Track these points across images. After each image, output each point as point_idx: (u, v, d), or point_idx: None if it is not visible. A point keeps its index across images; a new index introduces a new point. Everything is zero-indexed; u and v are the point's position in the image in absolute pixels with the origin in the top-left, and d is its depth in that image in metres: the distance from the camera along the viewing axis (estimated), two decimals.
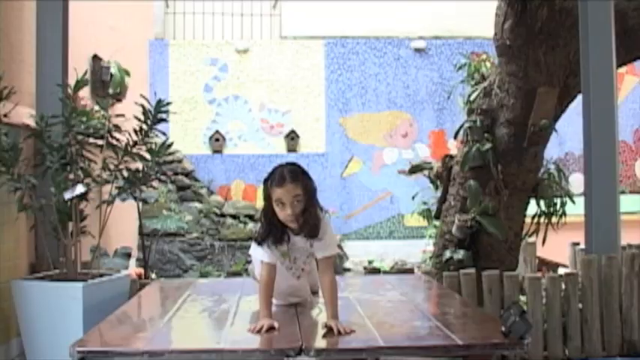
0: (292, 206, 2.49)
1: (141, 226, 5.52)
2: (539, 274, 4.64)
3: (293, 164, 2.62)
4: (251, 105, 8.52)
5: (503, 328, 2.28)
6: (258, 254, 2.63)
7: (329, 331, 2.39)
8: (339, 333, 2.37)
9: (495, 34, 4.56)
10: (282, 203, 2.50)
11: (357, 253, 7.97)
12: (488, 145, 4.53)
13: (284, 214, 2.51)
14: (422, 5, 8.71)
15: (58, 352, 3.07)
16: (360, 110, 8.65)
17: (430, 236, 6.28)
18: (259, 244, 2.60)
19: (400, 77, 8.69)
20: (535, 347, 3.77)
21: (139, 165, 3.96)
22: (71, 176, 3.82)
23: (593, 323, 3.88)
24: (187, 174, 7.93)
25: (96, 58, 5.89)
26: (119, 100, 5.80)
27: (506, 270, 4.13)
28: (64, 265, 3.76)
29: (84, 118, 3.94)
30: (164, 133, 4.34)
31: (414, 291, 3.41)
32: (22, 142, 3.80)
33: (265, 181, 2.58)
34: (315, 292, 3.08)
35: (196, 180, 8.08)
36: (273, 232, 2.58)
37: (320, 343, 2.32)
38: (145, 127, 3.91)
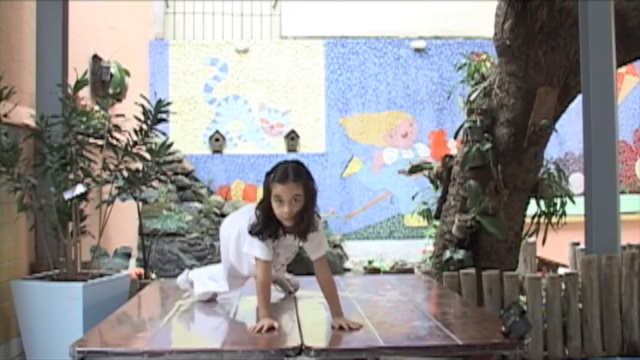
0: (290, 205, 2.48)
1: (141, 226, 5.52)
2: (539, 274, 4.64)
3: (297, 162, 2.59)
4: (251, 105, 8.52)
5: (503, 328, 2.28)
6: (255, 251, 2.60)
7: (339, 329, 2.41)
8: (349, 329, 2.40)
9: (495, 34, 4.56)
10: (281, 200, 2.49)
11: (357, 253, 7.98)
12: (488, 145, 4.53)
13: (280, 211, 2.49)
14: (422, 5, 8.71)
15: (58, 352, 3.07)
16: (360, 110, 8.64)
17: (430, 236, 6.28)
18: (256, 237, 2.57)
19: (400, 77, 8.69)
20: (535, 347, 3.77)
21: (139, 165, 3.96)
22: (71, 176, 3.82)
23: (593, 323, 3.88)
24: (187, 174, 7.93)
25: (96, 58, 5.89)
26: (119, 100, 5.80)
27: (506, 270, 4.13)
28: (64, 265, 3.76)
29: (84, 118, 3.93)
30: (164, 133, 4.34)
31: (414, 291, 3.41)
32: (22, 142, 3.79)
33: (268, 174, 2.57)
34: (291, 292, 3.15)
35: (196, 180, 8.08)
36: (268, 226, 2.56)
37: (320, 343, 2.32)
38: (145, 127, 3.91)
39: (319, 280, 2.63)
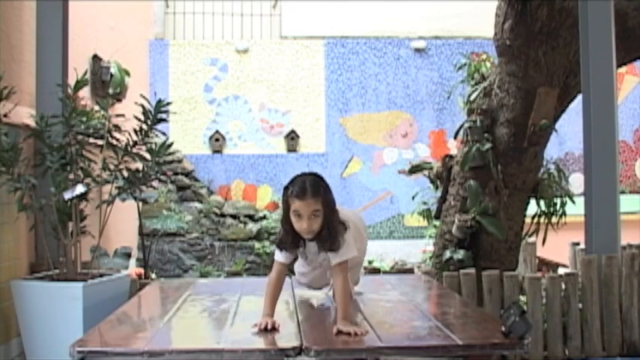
0: (309, 220, 2.47)
1: (141, 226, 5.52)
2: (539, 274, 4.64)
3: (316, 175, 2.58)
4: (251, 105, 8.52)
5: (503, 328, 2.28)
6: (275, 254, 2.66)
7: (339, 334, 2.38)
8: (355, 335, 2.35)
9: (495, 34, 4.56)
10: (299, 215, 2.48)
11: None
12: (488, 145, 4.53)
13: (299, 226, 2.49)
14: (422, 5, 8.71)
15: (58, 352, 3.08)
16: (360, 110, 8.64)
17: (430, 236, 6.28)
18: (278, 248, 2.61)
19: (400, 77, 8.69)
20: (535, 347, 3.77)
21: (139, 165, 3.96)
22: (71, 176, 3.82)
23: (593, 323, 3.88)
24: (187, 174, 7.93)
25: (96, 58, 5.89)
26: (119, 100, 5.80)
27: (506, 270, 4.13)
28: (64, 265, 3.76)
29: (84, 118, 3.94)
30: (164, 133, 4.34)
31: (414, 291, 3.41)
32: (22, 142, 3.80)
33: (285, 188, 2.55)
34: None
35: (196, 180, 8.08)
36: (289, 239, 2.57)
37: (320, 343, 2.32)
38: (145, 127, 3.91)
39: (334, 283, 2.62)
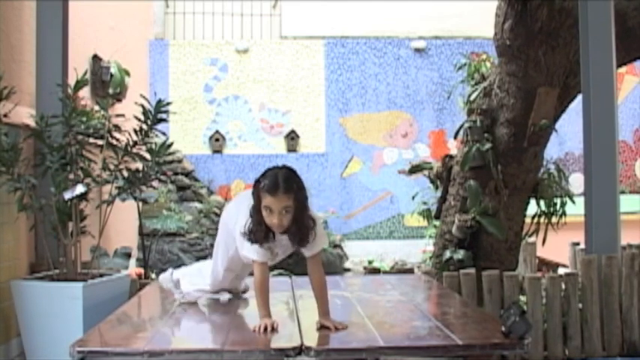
0: (280, 215, 2.45)
1: (141, 226, 5.51)
2: (539, 274, 4.64)
3: (288, 169, 2.55)
4: (251, 105, 8.52)
5: (503, 328, 2.28)
6: (251, 254, 2.58)
7: (322, 328, 2.43)
8: (336, 329, 2.41)
9: (495, 34, 4.56)
10: (271, 210, 2.46)
11: (357, 253, 7.97)
12: (488, 145, 4.53)
13: (270, 221, 2.47)
14: (422, 5, 8.71)
15: (58, 352, 3.07)
16: (360, 110, 8.64)
17: (430, 236, 6.28)
18: (251, 242, 2.55)
19: (400, 77, 8.68)
20: (535, 347, 3.77)
21: (139, 165, 3.96)
22: (71, 176, 3.82)
23: (593, 323, 3.88)
24: (187, 174, 7.92)
25: (96, 58, 5.89)
26: (119, 100, 5.80)
27: (506, 270, 4.13)
28: (64, 265, 3.76)
29: (84, 118, 3.94)
30: (164, 133, 4.34)
31: (414, 291, 3.41)
32: (22, 142, 3.80)
33: (257, 181, 2.52)
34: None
35: (196, 180, 8.08)
36: (259, 232, 2.53)
37: (320, 343, 2.32)
38: (145, 127, 3.91)
39: (311, 278, 2.61)
